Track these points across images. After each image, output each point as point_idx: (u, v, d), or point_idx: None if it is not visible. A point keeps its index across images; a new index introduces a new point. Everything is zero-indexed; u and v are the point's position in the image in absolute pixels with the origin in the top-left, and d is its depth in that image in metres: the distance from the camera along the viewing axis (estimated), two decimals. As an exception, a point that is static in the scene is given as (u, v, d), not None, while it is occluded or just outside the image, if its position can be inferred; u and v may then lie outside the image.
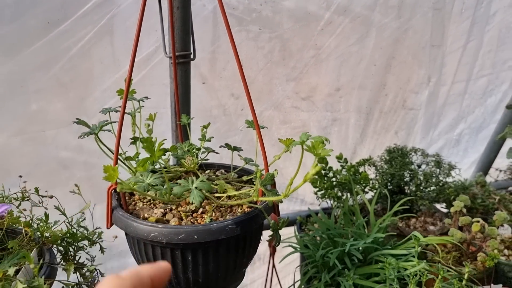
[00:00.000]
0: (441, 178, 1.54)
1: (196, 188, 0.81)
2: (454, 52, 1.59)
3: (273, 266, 1.63)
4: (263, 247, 1.93)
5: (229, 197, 0.94)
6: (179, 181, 0.83)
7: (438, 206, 1.64)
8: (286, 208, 1.82)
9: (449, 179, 1.57)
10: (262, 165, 0.91)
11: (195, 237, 0.79)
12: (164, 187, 0.83)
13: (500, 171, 1.79)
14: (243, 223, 0.83)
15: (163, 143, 0.75)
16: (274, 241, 0.92)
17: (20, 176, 1.05)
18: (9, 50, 1.08)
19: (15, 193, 1.05)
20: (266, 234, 1.48)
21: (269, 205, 0.89)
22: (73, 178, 1.35)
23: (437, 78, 1.62)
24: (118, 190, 0.75)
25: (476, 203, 1.58)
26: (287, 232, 1.43)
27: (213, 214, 0.89)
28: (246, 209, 0.91)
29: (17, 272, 0.82)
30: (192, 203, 0.92)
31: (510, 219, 1.53)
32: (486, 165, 1.88)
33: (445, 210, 1.63)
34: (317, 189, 1.47)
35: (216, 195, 0.92)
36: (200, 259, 0.84)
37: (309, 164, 1.22)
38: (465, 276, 1.10)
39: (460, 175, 1.52)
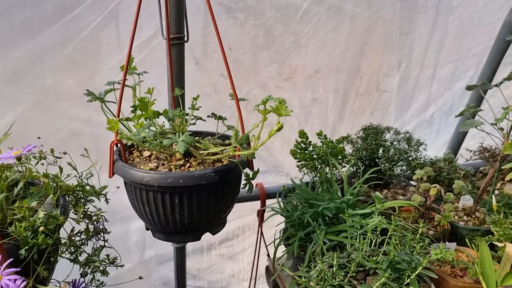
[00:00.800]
0: (410, 154, 1.71)
1: (182, 140, 0.99)
2: (421, 40, 1.76)
3: (262, 234, 1.80)
4: (252, 218, 2.12)
5: (211, 155, 1.12)
6: (169, 135, 1.02)
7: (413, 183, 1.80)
8: (274, 181, 2.00)
9: (419, 155, 1.74)
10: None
11: (181, 181, 0.98)
12: (157, 141, 1.02)
13: (470, 151, 1.95)
14: (221, 172, 1.02)
15: (154, 103, 0.94)
16: (247, 189, 1.10)
17: (39, 138, 1.23)
18: (30, 32, 1.27)
19: (34, 153, 1.23)
20: (256, 205, 1.66)
21: (244, 159, 1.08)
22: (82, 146, 1.53)
23: (407, 63, 1.79)
24: (118, 138, 0.93)
25: (442, 176, 1.76)
26: (275, 201, 1.61)
27: (198, 167, 1.08)
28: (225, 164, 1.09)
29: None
30: (180, 160, 1.11)
31: (471, 190, 1.70)
32: (456, 145, 2.04)
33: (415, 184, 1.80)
34: (297, 160, 1.65)
35: (201, 151, 1.10)
36: (186, 202, 1.03)
37: (292, 140, 1.39)
38: (419, 231, 1.27)
39: (426, 150, 1.68)
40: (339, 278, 1.13)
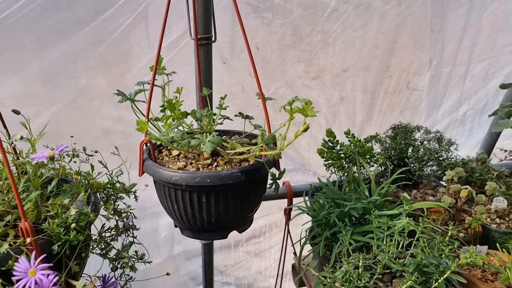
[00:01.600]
0: (441, 153, 1.67)
1: (209, 141, 1.01)
2: (454, 37, 1.71)
3: (288, 232, 1.81)
4: (279, 216, 2.12)
5: (238, 155, 1.13)
6: (196, 135, 1.03)
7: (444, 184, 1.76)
8: (301, 180, 1.99)
9: (450, 155, 1.70)
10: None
11: (208, 180, 0.99)
12: (184, 140, 1.04)
13: (505, 151, 1.89)
14: (247, 172, 1.03)
15: (182, 104, 0.95)
16: (274, 189, 1.11)
17: (72, 136, 1.27)
18: (64, 34, 1.31)
19: (67, 151, 1.27)
20: (283, 203, 1.67)
21: (270, 159, 1.08)
22: (113, 144, 1.57)
23: (438, 61, 1.74)
24: (147, 139, 0.96)
25: (474, 177, 1.71)
26: (301, 200, 1.61)
27: (225, 167, 1.09)
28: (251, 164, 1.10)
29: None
30: (208, 159, 1.13)
31: (504, 192, 1.65)
32: (489, 145, 1.98)
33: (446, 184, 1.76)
34: (325, 159, 1.64)
35: (227, 151, 1.12)
36: (213, 201, 1.04)
37: (320, 139, 1.39)
38: (449, 233, 1.24)
39: (458, 151, 1.64)
40: (364, 279, 1.13)
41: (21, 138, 0.97)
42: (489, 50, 1.80)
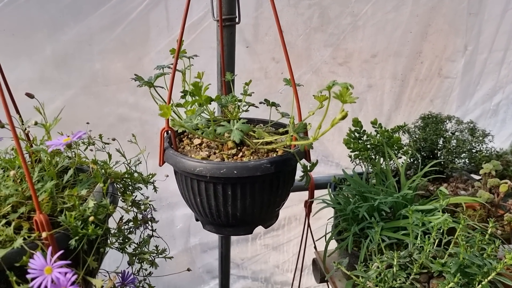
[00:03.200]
0: (474, 145, 1.58)
1: (237, 128, 0.93)
2: (492, 20, 1.60)
3: (309, 225, 1.74)
4: (299, 208, 2.05)
5: (265, 144, 1.05)
6: (222, 123, 0.95)
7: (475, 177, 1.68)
8: (323, 171, 1.92)
9: (483, 147, 1.61)
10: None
11: (235, 172, 0.92)
12: (210, 128, 0.96)
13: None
14: (277, 163, 0.95)
15: (208, 88, 0.87)
16: (305, 182, 1.03)
17: (87, 123, 1.20)
18: (79, 14, 1.24)
19: (83, 139, 1.21)
20: (303, 195, 1.59)
21: (301, 150, 1.00)
22: (129, 132, 1.51)
23: (474, 47, 1.64)
24: (170, 125, 0.88)
25: (510, 171, 1.61)
26: (324, 193, 1.53)
27: (251, 157, 1.01)
28: (280, 154, 1.02)
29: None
30: (232, 148, 1.05)
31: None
32: (524, 136, 1.88)
33: (478, 177, 1.67)
34: (351, 150, 1.55)
35: (254, 141, 1.04)
36: (239, 194, 0.97)
37: (344, 128, 1.31)
38: (489, 231, 1.16)
39: (493, 142, 1.55)
40: (400, 280, 1.05)
41: (36, 123, 0.90)
42: (529, 35, 1.69)
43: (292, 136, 0.97)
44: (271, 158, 0.96)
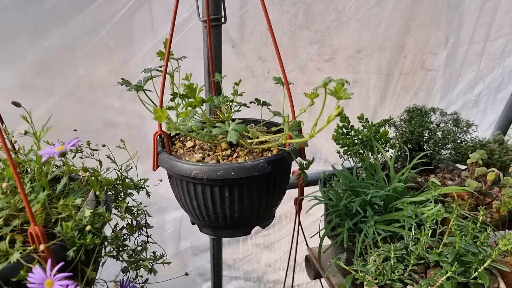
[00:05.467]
0: (459, 136, 1.61)
1: (232, 129, 0.92)
2: (471, 13, 1.63)
3: (299, 223, 1.73)
4: (289, 206, 2.05)
5: (260, 144, 1.04)
6: (217, 124, 0.94)
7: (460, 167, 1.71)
8: (311, 168, 1.91)
9: (467, 137, 1.64)
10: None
11: (232, 173, 0.91)
12: (204, 130, 0.95)
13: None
14: (274, 162, 0.94)
15: (202, 89, 0.86)
16: (302, 180, 1.03)
17: (75, 130, 1.17)
18: (60, 18, 1.20)
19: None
20: (293, 193, 1.59)
21: (296, 148, 1.00)
22: (117, 137, 1.48)
23: (455, 39, 1.67)
24: (165, 129, 0.86)
25: (494, 159, 1.65)
26: (313, 190, 1.53)
27: (246, 158, 1.00)
28: (276, 153, 1.02)
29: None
30: (226, 150, 1.04)
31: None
32: (504, 125, 1.92)
33: (463, 167, 1.70)
34: (340, 145, 1.56)
35: (249, 141, 1.03)
36: (236, 195, 0.96)
37: (331, 125, 1.31)
38: (480, 219, 1.18)
39: (477, 132, 1.58)
40: (398, 272, 1.06)
41: (26, 133, 0.87)
42: (507, 26, 1.73)
43: (287, 134, 0.97)
44: (268, 157, 0.95)
